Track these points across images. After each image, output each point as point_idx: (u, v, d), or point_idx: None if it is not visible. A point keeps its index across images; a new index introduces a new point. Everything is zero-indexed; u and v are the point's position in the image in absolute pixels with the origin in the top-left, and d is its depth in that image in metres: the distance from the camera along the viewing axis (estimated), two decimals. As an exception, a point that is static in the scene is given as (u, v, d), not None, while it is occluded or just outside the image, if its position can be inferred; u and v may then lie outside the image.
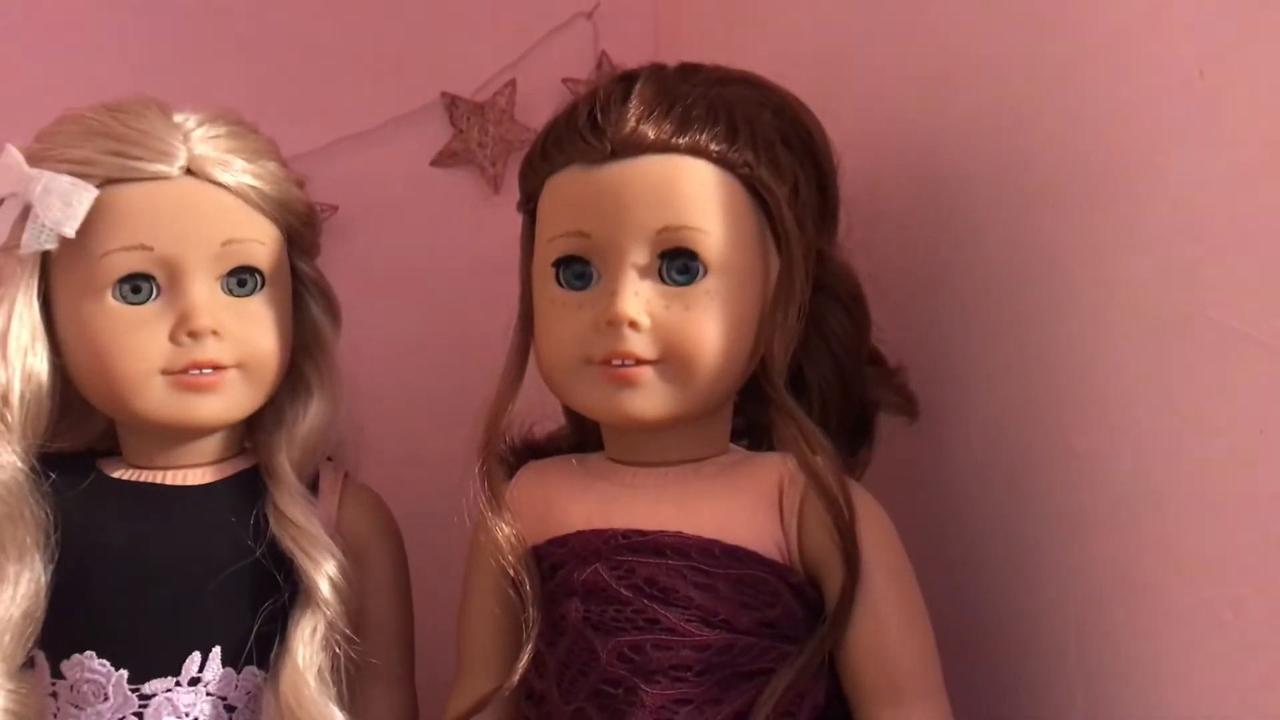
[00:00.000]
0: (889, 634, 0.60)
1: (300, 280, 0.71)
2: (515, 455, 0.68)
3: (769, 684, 0.58)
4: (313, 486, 0.68)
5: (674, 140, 0.60)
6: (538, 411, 0.69)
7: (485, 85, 0.98)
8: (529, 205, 0.66)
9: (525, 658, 0.62)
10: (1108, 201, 0.59)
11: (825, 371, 0.66)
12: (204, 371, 0.65)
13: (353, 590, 0.66)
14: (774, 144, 0.62)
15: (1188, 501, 0.56)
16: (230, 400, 0.66)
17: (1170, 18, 0.55)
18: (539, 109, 0.91)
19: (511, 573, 0.62)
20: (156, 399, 0.65)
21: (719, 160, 0.61)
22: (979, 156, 0.67)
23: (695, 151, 0.60)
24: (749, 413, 0.68)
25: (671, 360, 0.60)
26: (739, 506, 0.61)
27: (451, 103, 0.98)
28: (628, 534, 0.61)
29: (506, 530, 0.63)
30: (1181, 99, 0.55)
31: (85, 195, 0.62)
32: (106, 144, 0.64)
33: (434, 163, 0.98)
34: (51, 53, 0.89)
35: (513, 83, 0.98)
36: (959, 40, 0.69)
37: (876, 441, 0.68)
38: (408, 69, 0.97)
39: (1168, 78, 0.55)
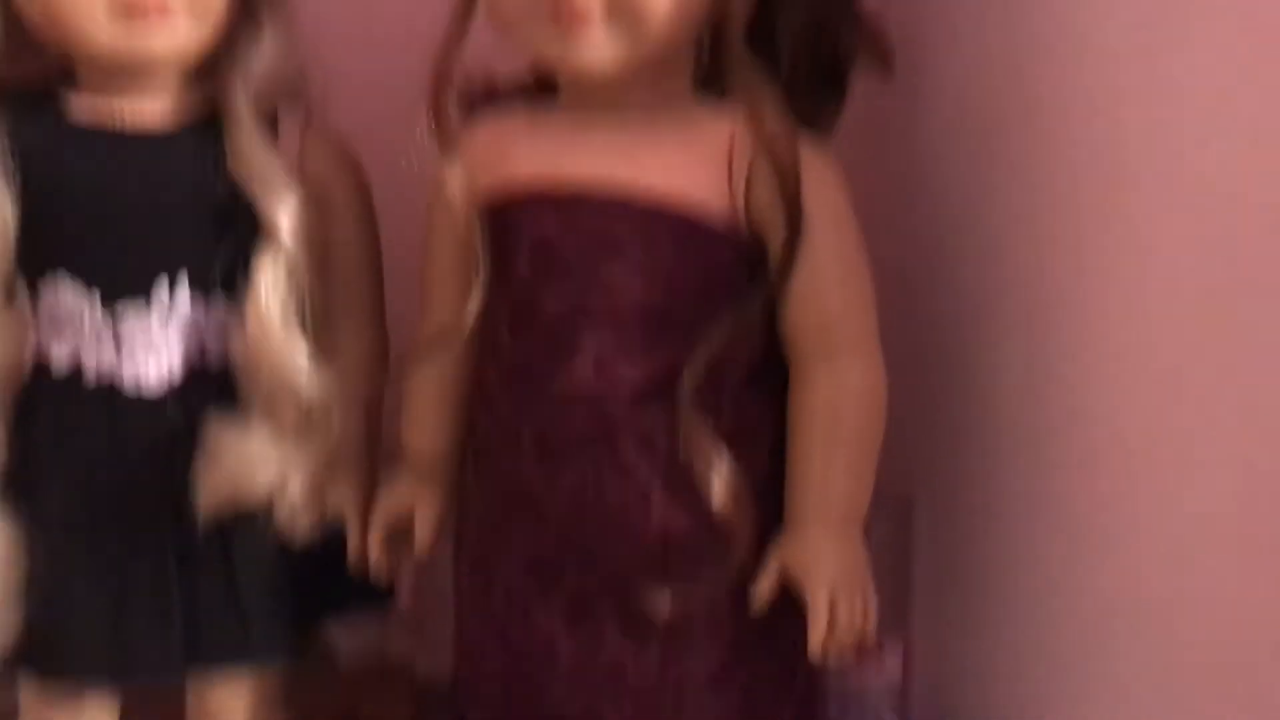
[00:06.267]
0: (825, 290, 0.61)
1: (248, -91, 0.67)
2: (476, 100, 0.67)
3: (708, 333, 0.60)
4: (274, 131, 0.68)
5: None
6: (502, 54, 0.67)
7: None
8: None
9: (474, 304, 0.63)
10: None
11: (796, 21, 0.63)
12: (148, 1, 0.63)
13: (315, 228, 0.67)
14: None
15: (1159, 155, 0.53)
16: (176, 32, 0.65)
17: None
18: None
19: (461, 220, 0.63)
20: (102, 30, 0.64)
21: None
22: None
23: None
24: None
25: (623, 4, 0.58)
26: (688, 161, 0.61)
27: None
28: (576, 186, 0.61)
29: (457, 176, 0.63)
30: None
31: None
32: None
33: None
34: None
35: None
36: None
37: (848, 97, 0.66)
38: None
39: None
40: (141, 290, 0.66)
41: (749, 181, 0.60)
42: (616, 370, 0.61)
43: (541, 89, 0.67)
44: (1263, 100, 0.46)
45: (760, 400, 0.63)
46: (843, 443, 0.61)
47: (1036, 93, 0.60)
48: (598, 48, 0.59)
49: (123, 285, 0.66)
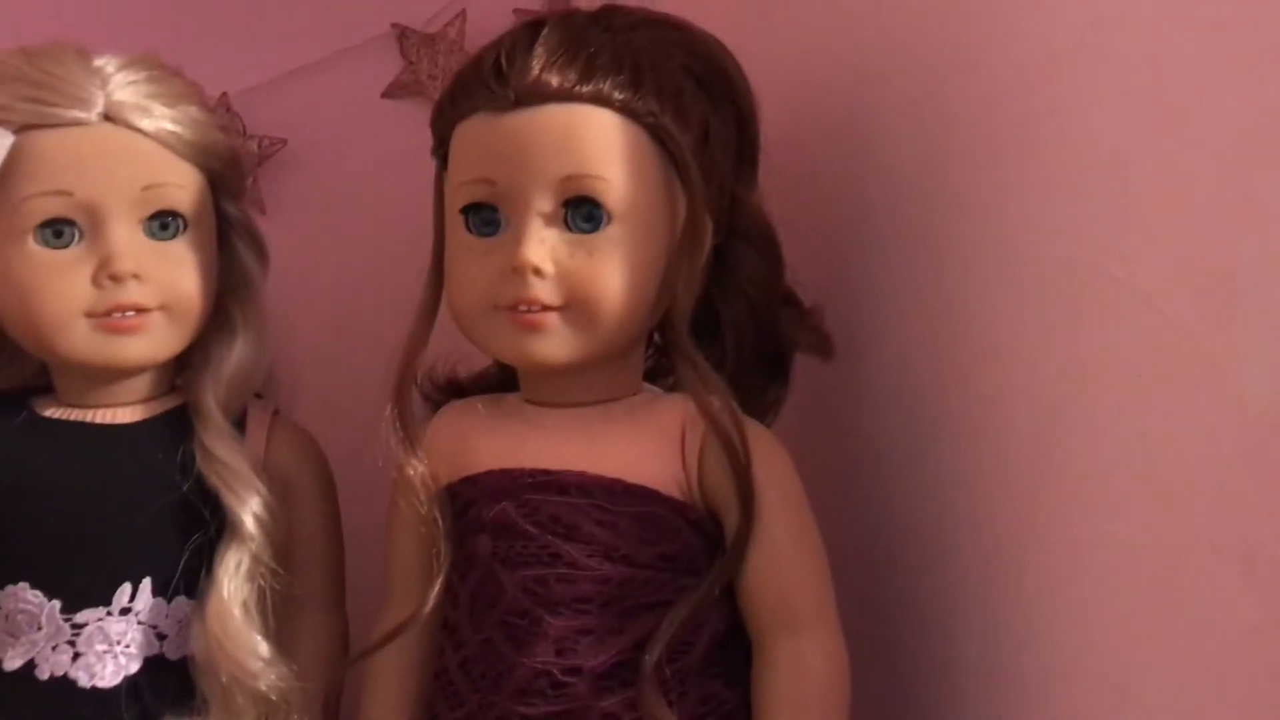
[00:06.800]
0: (782, 566, 0.62)
1: (226, 222, 0.72)
2: (440, 393, 0.70)
3: (668, 614, 0.61)
4: (242, 423, 0.70)
5: (577, 89, 0.61)
6: (465, 350, 0.71)
7: (436, 16, 0.97)
8: (441, 150, 0.67)
9: (436, 589, 0.64)
10: (1011, 152, 0.60)
11: (738, 313, 0.67)
12: (127, 314, 0.67)
13: (277, 524, 0.68)
14: (681, 91, 0.63)
15: (1078, 442, 0.57)
16: (154, 341, 0.68)
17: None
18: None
19: (423, 510, 0.65)
20: (81, 341, 0.67)
21: (622, 109, 0.61)
22: (894, 108, 0.68)
23: (598, 100, 0.61)
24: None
25: (576, 306, 0.62)
26: (643, 446, 0.63)
27: (402, 34, 0.97)
28: (534, 473, 0.63)
29: (419, 469, 0.65)
30: (1073, 57, 0.56)
31: (2, 141, 0.64)
32: (22, 90, 0.65)
33: (385, 94, 0.98)
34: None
35: (463, 13, 0.97)
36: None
37: (792, 381, 0.70)
38: (358, 0, 0.97)
39: (1061, 35, 0.56)
40: (102, 598, 0.67)
41: (701, 464, 0.63)
42: (578, 655, 0.61)
43: (502, 382, 0.70)
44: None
45: (724, 677, 0.63)
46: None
47: (968, 371, 0.64)
48: (553, 342, 0.62)
49: (84, 594, 0.67)
